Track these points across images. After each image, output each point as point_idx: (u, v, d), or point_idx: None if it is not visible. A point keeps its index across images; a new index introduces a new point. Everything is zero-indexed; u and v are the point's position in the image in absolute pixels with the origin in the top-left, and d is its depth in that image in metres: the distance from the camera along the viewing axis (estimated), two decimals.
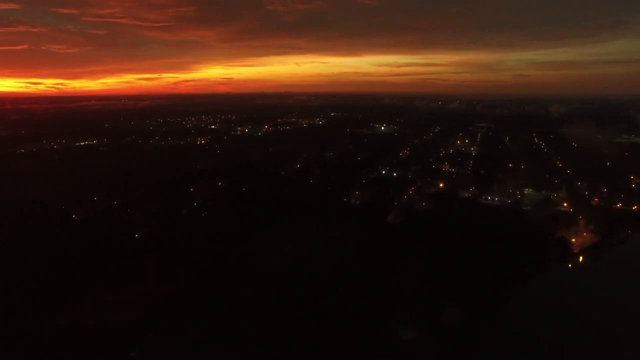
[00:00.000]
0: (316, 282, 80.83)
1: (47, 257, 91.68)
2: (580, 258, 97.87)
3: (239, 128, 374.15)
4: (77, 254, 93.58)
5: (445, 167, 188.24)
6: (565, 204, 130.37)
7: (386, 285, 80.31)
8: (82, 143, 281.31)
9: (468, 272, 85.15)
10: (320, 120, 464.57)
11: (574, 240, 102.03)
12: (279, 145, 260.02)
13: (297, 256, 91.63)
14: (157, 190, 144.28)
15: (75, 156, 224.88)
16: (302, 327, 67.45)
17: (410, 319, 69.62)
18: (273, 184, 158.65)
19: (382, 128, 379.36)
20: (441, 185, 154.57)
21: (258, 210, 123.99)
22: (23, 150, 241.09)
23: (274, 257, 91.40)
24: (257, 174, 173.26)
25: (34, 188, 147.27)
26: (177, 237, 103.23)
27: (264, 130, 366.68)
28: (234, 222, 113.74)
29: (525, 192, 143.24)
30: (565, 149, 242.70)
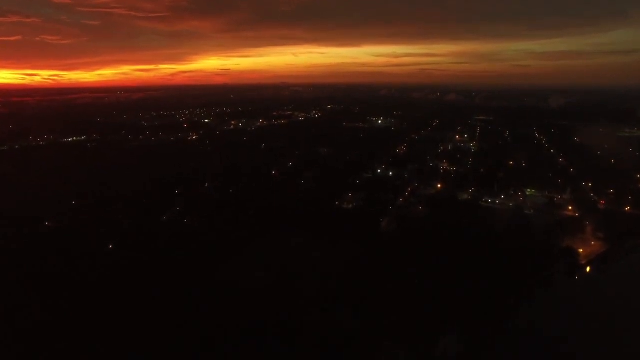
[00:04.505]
0: (299, 302, 73.45)
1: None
2: (588, 269, 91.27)
3: (232, 122, 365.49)
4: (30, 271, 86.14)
5: (444, 166, 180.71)
6: (570, 208, 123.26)
7: (377, 302, 73.41)
8: (70, 139, 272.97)
9: (465, 286, 78.05)
10: (316, 114, 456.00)
11: (580, 250, 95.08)
12: (272, 141, 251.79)
13: (280, 271, 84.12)
14: (138, 194, 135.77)
15: (60, 154, 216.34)
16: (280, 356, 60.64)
17: (403, 343, 63.11)
18: (262, 184, 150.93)
19: (380, 122, 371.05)
20: (439, 186, 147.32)
21: (243, 216, 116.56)
22: (6, 148, 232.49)
23: (255, 271, 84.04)
24: (247, 173, 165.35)
25: (13, 190, 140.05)
26: (147, 253, 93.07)
27: (258, 124, 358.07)
28: (215, 230, 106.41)
29: (527, 193, 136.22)
30: (567, 144, 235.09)
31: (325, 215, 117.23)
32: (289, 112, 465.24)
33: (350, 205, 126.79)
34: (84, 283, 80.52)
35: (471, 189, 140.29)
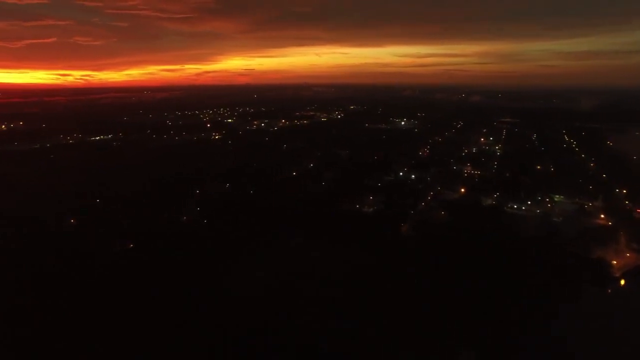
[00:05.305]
0: (309, 312, 71.61)
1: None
2: (622, 282, 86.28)
3: (255, 122, 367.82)
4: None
5: (468, 170, 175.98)
6: (602, 216, 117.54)
7: (391, 316, 71.31)
8: (97, 138, 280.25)
9: (488, 299, 75.14)
10: (339, 114, 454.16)
11: (614, 261, 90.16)
12: (293, 141, 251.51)
13: (295, 272, 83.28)
14: (159, 193, 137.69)
15: (86, 153, 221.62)
16: None
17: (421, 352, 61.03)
18: (283, 185, 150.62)
19: (402, 123, 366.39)
20: (463, 190, 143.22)
21: (261, 217, 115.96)
22: (38, 146, 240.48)
23: (266, 276, 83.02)
24: (267, 173, 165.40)
25: (38, 188, 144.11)
26: (165, 253, 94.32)
27: (280, 124, 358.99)
28: (232, 232, 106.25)
29: (556, 200, 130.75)
30: (599, 148, 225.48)
31: (345, 218, 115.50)
32: (311, 113, 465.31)
33: (371, 209, 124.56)
34: (95, 282, 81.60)
35: (496, 194, 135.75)
